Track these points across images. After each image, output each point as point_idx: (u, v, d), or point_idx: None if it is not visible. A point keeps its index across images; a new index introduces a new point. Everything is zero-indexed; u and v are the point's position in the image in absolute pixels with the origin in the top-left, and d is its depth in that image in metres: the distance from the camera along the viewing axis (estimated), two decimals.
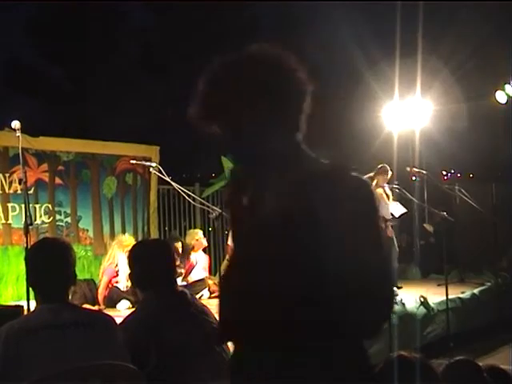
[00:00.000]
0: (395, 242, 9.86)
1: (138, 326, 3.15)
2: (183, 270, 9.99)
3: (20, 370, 2.77)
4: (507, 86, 13.20)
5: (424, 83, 12.84)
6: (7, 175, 9.63)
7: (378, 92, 13.30)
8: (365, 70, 13.71)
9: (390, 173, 10.01)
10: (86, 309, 3.28)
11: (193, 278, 10.09)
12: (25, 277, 5.04)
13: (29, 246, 5.14)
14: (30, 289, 5.05)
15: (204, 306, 3.47)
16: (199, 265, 10.33)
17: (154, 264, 3.36)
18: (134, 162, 8.27)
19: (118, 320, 3.25)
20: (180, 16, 17.92)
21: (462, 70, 14.31)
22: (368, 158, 12.21)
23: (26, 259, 3.21)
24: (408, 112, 12.79)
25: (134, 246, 3.67)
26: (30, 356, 2.79)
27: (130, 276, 3.50)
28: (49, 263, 3.08)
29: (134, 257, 3.46)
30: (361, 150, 14.59)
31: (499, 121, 14.02)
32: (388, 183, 10.13)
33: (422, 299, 8.29)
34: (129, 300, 8.47)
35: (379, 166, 10.10)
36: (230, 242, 10.82)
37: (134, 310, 3.38)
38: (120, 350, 2.93)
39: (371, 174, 10.44)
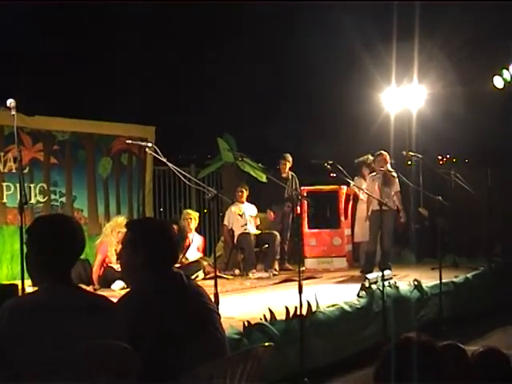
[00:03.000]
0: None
1: (132, 307, 3.12)
2: (179, 254, 10.01)
3: (20, 348, 2.77)
4: (504, 71, 13.19)
5: (421, 68, 12.83)
6: (2, 154, 9.60)
7: (376, 76, 13.26)
8: (362, 54, 13.66)
9: (381, 158, 10.05)
10: (88, 291, 3.23)
11: (188, 258, 10.11)
12: (19, 256, 5.09)
13: (24, 226, 5.13)
14: (25, 268, 5.10)
15: (199, 286, 3.46)
16: (193, 246, 10.35)
17: (157, 244, 3.32)
18: (129, 141, 8.24)
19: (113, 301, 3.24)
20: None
21: (459, 55, 14.27)
22: (365, 143, 12.21)
23: (34, 234, 3.00)
24: (405, 97, 12.79)
25: (139, 223, 3.59)
26: (30, 334, 2.78)
27: (119, 255, 3.46)
28: (63, 241, 2.98)
29: (139, 234, 3.38)
30: (358, 135, 14.57)
31: (496, 106, 14.01)
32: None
33: (416, 283, 8.32)
34: (124, 280, 8.48)
35: (377, 153, 10.15)
36: (225, 222, 10.85)
37: (128, 291, 3.35)
38: (119, 334, 2.92)
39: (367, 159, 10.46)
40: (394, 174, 10.00)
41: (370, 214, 10.16)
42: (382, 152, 10.13)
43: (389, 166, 10.04)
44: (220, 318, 3.45)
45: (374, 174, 10.11)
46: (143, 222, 3.90)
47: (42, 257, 2.97)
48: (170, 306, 3.17)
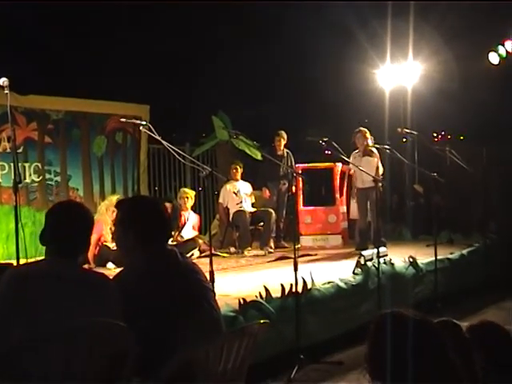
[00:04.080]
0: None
1: (125, 285, 3.13)
2: (174, 232, 10.00)
3: (18, 314, 2.81)
4: (500, 47, 13.16)
5: (416, 44, 12.78)
6: None
7: (370, 53, 13.22)
8: (357, 31, 13.60)
9: (360, 135, 10.10)
10: (90, 270, 3.30)
11: (183, 237, 10.12)
12: (15, 235, 5.09)
13: (18, 205, 5.12)
14: (21, 247, 5.11)
15: (194, 264, 3.46)
16: (189, 224, 10.36)
17: (147, 222, 3.33)
18: (124, 120, 8.20)
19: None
20: None
21: (454, 31, 14.22)
22: (360, 120, 12.19)
23: (51, 214, 3.20)
24: (399, 73, 12.76)
25: (123, 203, 3.58)
26: (30, 301, 2.84)
27: (113, 235, 3.49)
28: (74, 223, 3.14)
29: (129, 213, 3.40)
30: (353, 112, 14.55)
31: (491, 82, 13.98)
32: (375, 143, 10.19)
33: (411, 259, 8.34)
34: (117, 260, 8.48)
35: (356, 130, 10.21)
36: (220, 200, 10.85)
37: (121, 269, 3.35)
38: (117, 312, 2.95)
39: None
40: (374, 149, 10.06)
41: (355, 191, 10.30)
42: (361, 128, 10.21)
43: (369, 142, 10.10)
44: (215, 295, 3.46)
45: (356, 151, 10.17)
46: (132, 200, 3.88)
47: (51, 234, 3.11)
48: (163, 283, 3.18)
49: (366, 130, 10.18)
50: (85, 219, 3.21)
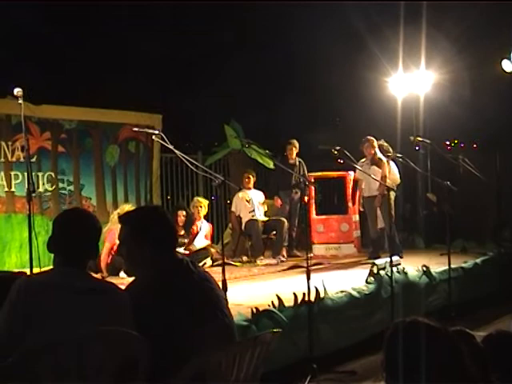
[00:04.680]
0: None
1: (137, 294, 3.12)
2: (185, 240, 10.00)
3: (29, 324, 2.81)
4: None
5: (428, 53, 12.76)
6: (10, 143, 9.62)
7: (383, 62, 13.21)
8: (369, 40, 13.60)
9: (368, 144, 10.10)
10: (101, 279, 3.30)
11: (196, 246, 10.12)
12: (28, 244, 5.11)
13: (32, 214, 5.15)
14: (34, 256, 5.12)
15: (206, 272, 3.45)
16: (202, 233, 10.35)
17: (152, 233, 3.31)
18: (136, 129, 8.23)
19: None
20: None
21: (466, 39, 14.20)
22: (372, 129, 12.17)
23: (59, 222, 3.22)
24: (412, 82, 12.73)
25: (129, 215, 3.54)
26: (41, 311, 2.83)
27: (118, 251, 3.47)
28: (82, 230, 3.15)
29: (132, 226, 3.37)
30: (365, 120, 14.53)
31: (504, 90, 13.93)
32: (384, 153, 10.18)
33: (425, 268, 8.30)
34: (127, 273, 8.47)
35: (364, 139, 10.21)
36: (233, 209, 10.85)
37: (133, 279, 3.35)
38: (129, 321, 2.94)
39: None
40: (383, 158, 10.05)
41: (361, 200, 10.32)
42: (368, 137, 10.21)
43: (377, 151, 10.11)
44: (228, 303, 3.44)
45: (364, 160, 10.17)
46: (135, 213, 3.79)
47: (59, 243, 3.13)
48: (175, 292, 3.17)
49: (373, 139, 10.18)
50: (92, 227, 3.20)
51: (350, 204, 11.49)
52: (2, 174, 9.58)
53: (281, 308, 5.86)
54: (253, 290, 7.57)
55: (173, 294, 3.16)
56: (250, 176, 10.98)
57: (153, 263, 3.25)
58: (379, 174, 9.84)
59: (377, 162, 10.04)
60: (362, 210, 10.61)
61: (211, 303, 3.26)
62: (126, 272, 3.68)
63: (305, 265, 5.98)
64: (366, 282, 7.28)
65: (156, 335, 2.95)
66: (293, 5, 15.62)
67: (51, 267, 3.16)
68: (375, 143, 10.14)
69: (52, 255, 3.17)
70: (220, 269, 5.59)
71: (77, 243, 3.10)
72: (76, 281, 2.98)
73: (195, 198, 10.91)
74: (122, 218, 3.45)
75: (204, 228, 10.45)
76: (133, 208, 8.61)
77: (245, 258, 10.57)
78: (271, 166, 11.78)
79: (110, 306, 2.96)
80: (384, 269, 7.46)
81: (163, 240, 3.31)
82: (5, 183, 9.60)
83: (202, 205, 10.49)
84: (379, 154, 10.12)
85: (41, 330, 2.78)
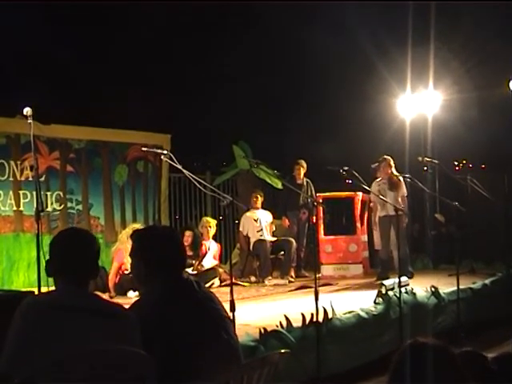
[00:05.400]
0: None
1: (141, 314, 3.11)
2: (194, 261, 9.98)
3: (33, 345, 2.79)
4: None
5: (436, 73, 12.78)
6: (19, 162, 9.67)
7: (391, 82, 13.24)
8: (377, 61, 13.64)
9: (385, 163, 10.09)
10: (103, 298, 3.26)
11: (204, 266, 10.10)
12: (36, 264, 5.11)
13: (40, 233, 5.15)
14: (42, 275, 5.12)
15: (211, 293, 3.45)
16: (210, 253, 10.34)
17: (161, 251, 3.32)
18: (145, 149, 8.24)
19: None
20: (192, 4, 17.88)
21: (474, 60, 14.22)
22: (380, 149, 12.17)
23: (56, 243, 3.15)
24: (420, 102, 12.74)
25: (137, 233, 3.57)
26: (44, 331, 2.81)
27: (132, 267, 3.48)
28: (81, 250, 3.11)
29: (141, 243, 3.40)
30: (373, 141, 14.54)
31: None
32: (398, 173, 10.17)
33: (433, 289, 8.26)
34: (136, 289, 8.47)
35: (380, 159, 10.19)
36: (241, 228, 10.84)
37: (137, 299, 3.35)
38: (135, 341, 2.93)
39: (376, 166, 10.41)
40: (400, 178, 10.03)
41: (377, 220, 10.25)
42: (385, 157, 10.21)
43: (394, 170, 10.10)
44: (234, 324, 3.43)
45: (379, 179, 10.15)
46: (145, 230, 3.83)
47: (59, 264, 3.08)
48: (179, 313, 3.16)
49: (390, 158, 10.16)
50: (88, 244, 3.16)
51: (358, 224, 11.47)
52: (11, 193, 9.62)
53: (289, 328, 5.83)
54: (261, 310, 7.55)
55: (176, 315, 3.14)
56: (258, 196, 10.99)
57: (157, 282, 3.26)
58: (399, 193, 9.87)
59: (395, 182, 10.02)
60: (375, 230, 10.56)
61: (215, 323, 3.26)
62: (134, 289, 3.72)
63: (313, 285, 5.96)
64: (375, 302, 7.25)
65: (159, 356, 2.93)
66: (300, 26, 15.71)
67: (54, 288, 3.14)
68: (392, 162, 10.13)
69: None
70: (228, 289, 5.58)
71: (75, 262, 3.06)
72: (79, 301, 2.97)
73: (203, 218, 10.92)
74: (133, 235, 3.50)
75: (212, 248, 10.44)
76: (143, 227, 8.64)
77: (253, 278, 10.55)
78: (279, 186, 11.79)
79: (114, 325, 2.94)
80: (392, 289, 7.43)
81: (169, 260, 3.32)
82: (13, 202, 9.63)
83: (211, 225, 10.50)
84: (396, 174, 10.10)
85: (47, 352, 2.76)
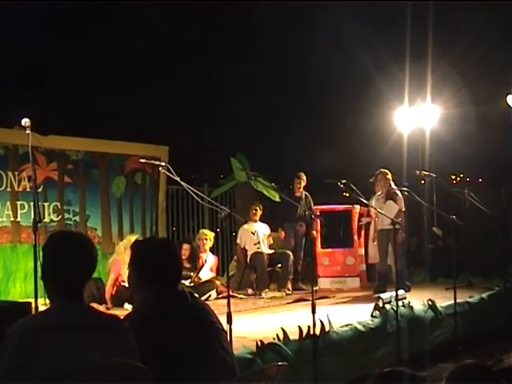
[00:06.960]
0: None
1: (135, 325, 3.06)
2: (193, 273, 9.97)
3: (32, 368, 2.71)
4: None
5: (434, 87, 12.83)
6: (16, 173, 9.66)
7: (389, 95, 13.29)
8: (375, 74, 13.70)
9: (381, 176, 10.08)
10: (99, 311, 3.17)
11: (201, 278, 10.08)
12: (33, 275, 5.10)
13: (37, 244, 5.14)
14: (39, 286, 5.11)
15: (206, 305, 3.44)
16: (207, 265, 10.33)
17: (156, 263, 3.32)
18: (143, 160, 8.25)
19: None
20: (191, 15, 17.96)
21: (472, 74, 14.28)
22: (378, 162, 12.20)
23: (47, 251, 2.95)
24: (418, 116, 12.78)
25: (136, 244, 3.57)
26: (42, 355, 2.73)
27: (129, 277, 3.48)
28: (75, 257, 2.93)
29: (138, 254, 3.41)
30: (371, 154, 14.57)
31: (509, 125, 13.97)
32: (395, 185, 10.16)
33: (430, 303, 8.26)
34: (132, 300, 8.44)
35: (377, 172, 10.18)
36: (238, 241, 10.83)
37: (130, 311, 3.34)
38: (132, 353, 2.89)
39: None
40: (398, 191, 10.02)
41: (375, 233, 10.23)
42: (382, 170, 10.18)
43: (392, 184, 10.09)
44: (230, 337, 3.43)
45: (379, 193, 10.13)
46: (143, 242, 3.83)
47: (51, 273, 2.95)
48: (172, 325, 3.14)
49: (387, 171, 10.16)
50: (88, 254, 2.97)
51: (355, 237, 11.47)
52: (8, 203, 9.60)
53: (286, 341, 5.82)
54: (258, 322, 7.53)
55: (169, 326, 3.13)
56: (258, 208, 10.98)
57: (150, 294, 3.26)
58: (394, 207, 9.85)
59: (392, 196, 10.01)
60: (374, 243, 10.55)
61: (209, 336, 3.24)
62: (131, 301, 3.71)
63: (310, 298, 5.95)
64: (372, 315, 7.23)
65: (152, 367, 2.91)
66: (299, 39, 15.77)
67: (48, 306, 2.96)
68: (389, 175, 10.11)
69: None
70: (225, 301, 5.57)
71: (73, 278, 2.91)
72: (77, 316, 2.87)
73: (201, 231, 10.91)
74: (132, 246, 3.52)
75: (209, 260, 10.43)
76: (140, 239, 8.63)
77: (250, 291, 10.53)
78: (277, 198, 11.79)
79: (113, 341, 2.90)
80: (390, 303, 7.42)
81: (165, 271, 3.31)
82: (11, 213, 9.62)
83: (208, 237, 10.49)
84: (394, 187, 10.09)
85: (47, 372, 2.71)
